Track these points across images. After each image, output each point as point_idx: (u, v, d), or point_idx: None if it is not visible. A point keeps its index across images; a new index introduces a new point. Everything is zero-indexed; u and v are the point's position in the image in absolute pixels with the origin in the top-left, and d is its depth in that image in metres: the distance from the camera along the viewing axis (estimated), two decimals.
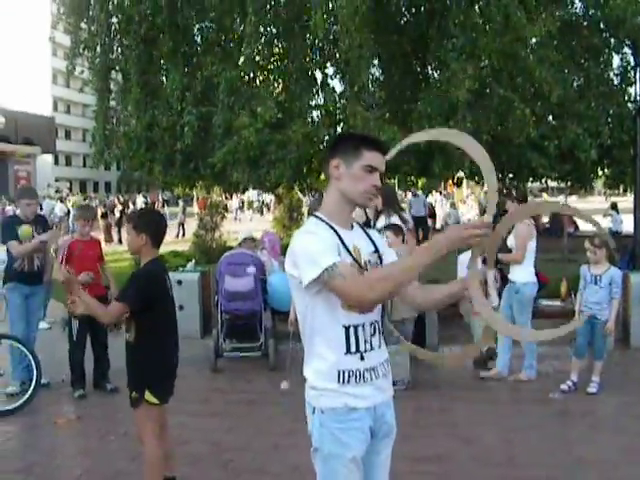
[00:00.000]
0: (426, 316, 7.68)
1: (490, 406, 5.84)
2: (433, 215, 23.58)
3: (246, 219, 34.07)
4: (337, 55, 9.31)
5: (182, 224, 25.85)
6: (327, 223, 2.39)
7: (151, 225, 3.72)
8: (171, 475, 3.94)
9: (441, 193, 27.75)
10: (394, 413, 2.55)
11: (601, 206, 26.77)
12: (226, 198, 13.91)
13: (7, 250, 6.36)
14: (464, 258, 7.33)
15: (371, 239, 2.53)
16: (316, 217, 2.44)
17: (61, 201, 31.07)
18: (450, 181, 12.32)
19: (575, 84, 10.03)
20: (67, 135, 64.05)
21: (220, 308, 7.04)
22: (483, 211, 21.57)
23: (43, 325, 9.16)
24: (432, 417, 5.60)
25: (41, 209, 20.94)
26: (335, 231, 2.37)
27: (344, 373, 2.36)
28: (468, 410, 5.75)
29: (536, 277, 6.54)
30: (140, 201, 31.08)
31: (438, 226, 22.98)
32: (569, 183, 11.43)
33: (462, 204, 32.11)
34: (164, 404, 3.77)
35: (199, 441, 5.02)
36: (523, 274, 6.40)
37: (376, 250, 2.50)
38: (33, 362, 5.90)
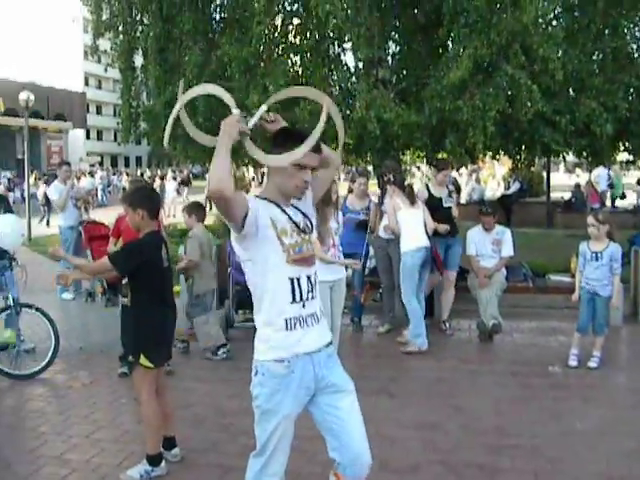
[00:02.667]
0: (437, 291, 7.79)
1: (489, 377, 5.96)
2: (458, 190, 23.40)
3: None
4: (351, 32, 9.34)
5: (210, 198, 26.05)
6: (267, 199, 2.66)
7: (145, 200, 3.97)
8: (170, 435, 4.18)
9: (467, 168, 27.53)
10: (340, 372, 2.79)
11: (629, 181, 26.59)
12: None
13: None
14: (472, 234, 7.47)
15: (302, 212, 2.77)
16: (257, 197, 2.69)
17: (92, 175, 31.67)
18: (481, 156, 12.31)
19: (593, 58, 9.91)
20: (98, 110, 64.73)
21: (232, 279, 7.25)
22: (507, 187, 21.46)
23: (67, 296, 9.55)
24: (432, 386, 5.76)
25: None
26: (275, 203, 2.65)
27: (290, 320, 2.63)
28: (467, 381, 5.88)
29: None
30: (169, 176, 31.34)
31: (463, 201, 22.85)
32: (588, 158, 11.34)
33: (492, 179, 31.69)
34: (159, 367, 3.97)
35: (203, 405, 5.25)
36: (404, 243, 6.73)
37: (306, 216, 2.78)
38: (52, 330, 6.13)
